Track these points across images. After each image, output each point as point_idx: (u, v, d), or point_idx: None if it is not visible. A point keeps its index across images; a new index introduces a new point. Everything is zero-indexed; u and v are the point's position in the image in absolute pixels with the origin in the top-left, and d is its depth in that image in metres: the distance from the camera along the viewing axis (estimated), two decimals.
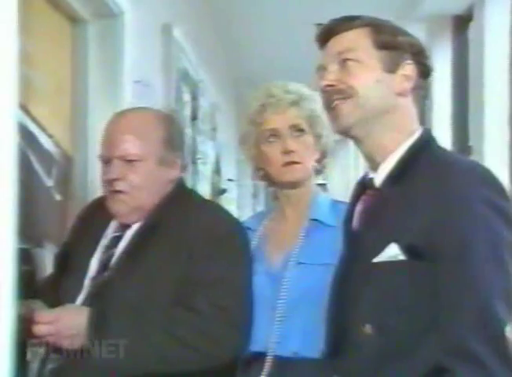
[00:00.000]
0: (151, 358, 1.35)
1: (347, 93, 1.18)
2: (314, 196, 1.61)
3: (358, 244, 1.20)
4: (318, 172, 1.65)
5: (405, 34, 1.22)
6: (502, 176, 1.19)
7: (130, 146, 1.45)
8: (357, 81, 1.17)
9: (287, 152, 1.55)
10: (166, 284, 1.39)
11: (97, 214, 1.55)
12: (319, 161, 1.62)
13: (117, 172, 1.45)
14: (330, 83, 1.19)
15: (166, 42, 2.88)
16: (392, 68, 1.18)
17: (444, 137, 3.88)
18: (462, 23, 3.85)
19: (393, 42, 1.19)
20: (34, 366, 1.46)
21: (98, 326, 1.34)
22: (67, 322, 1.34)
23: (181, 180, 1.57)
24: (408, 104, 1.21)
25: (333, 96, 1.19)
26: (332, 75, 1.19)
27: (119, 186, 1.45)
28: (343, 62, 1.19)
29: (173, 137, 1.51)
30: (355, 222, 1.24)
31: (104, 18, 2.14)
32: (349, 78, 1.18)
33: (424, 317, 1.09)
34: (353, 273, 1.18)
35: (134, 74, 2.29)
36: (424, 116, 4.02)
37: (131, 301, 1.38)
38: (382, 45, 1.18)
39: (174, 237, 1.43)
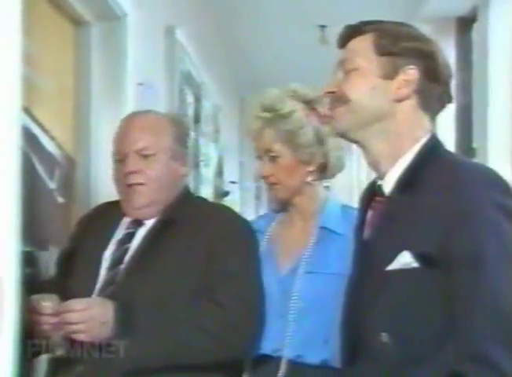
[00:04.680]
0: (179, 349, 1.38)
1: (342, 100, 1.21)
2: (322, 203, 1.60)
3: (370, 252, 1.19)
4: (321, 177, 1.61)
5: (413, 39, 1.21)
6: (507, 177, 1.18)
7: (146, 141, 1.51)
8: (352, 89, 1.20)
9: (262, 177, 1.59)
10: (186, 278, 1.42)
11: (104, 216, 1.57)
12: (319, 170, 1.59)
13: (134, 165, 1.50)
14: (329, 90, 1.24)
15: (169, 44, 2.88)
16: (390, 74, 1.19)
17: (448, 139, 3.88)
18: (465, 24, 3.84)
19: (394, 48, 1.19)
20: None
21: (125, 319, 1.36)
22: (98, 309, 1.36)
23: (187, 187, 1.63)
24: (409, 110, 1.20)
25: (333, 103, 1.24)
26: (333, 83, 1.23)
27: (136, 179, 1.50)
28: (346, 69, 1.22)
29: (182, 136, 1.60)
30: (366, 230, 1.24)
31: (107, 20, 2.14)
32: (346, 85, 1.21)
33: (439, 324, 1.09)
34: (367, 281, 1.18)
35: (137, 76, 2.29)
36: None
37: (151, 294, 1.40)
38: (382, 51, 1.19)
39: (192, 232, 1.47)
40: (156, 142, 1.52)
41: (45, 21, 1.89)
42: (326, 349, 1.44)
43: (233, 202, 4.88)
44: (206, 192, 3.81)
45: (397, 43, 1.20)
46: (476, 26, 3.57)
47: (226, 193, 4.69)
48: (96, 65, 2.14)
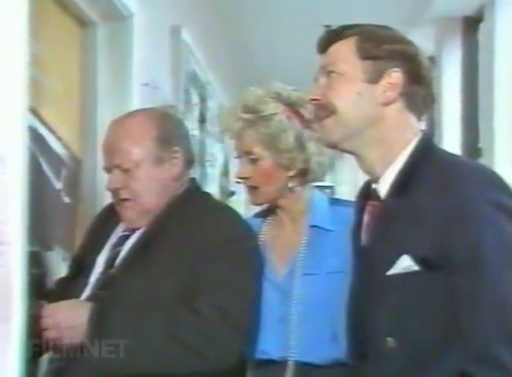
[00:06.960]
0: (149, 358, 1.34)
1: (329, 110, 1.19)
2: (309, 201, 1.57)
3: (370, 258, 1.19)
4: (303, 182, 1.56)
5: (395, 41, 1.20)
6: None
7: (124, 155, 1.46)
8: (338, 96, 1.18)
9: (241, 178, 1.56)
10: (171, 284, 1.39)
11: (111, 216, 1.57)
12: (300, 175, 1.54)
13: (118, 181, 1.48)
14: (315, 98, 1.22)
15: (174, 44, 2.89)
16: (374, 79, 1.18)
17: (454, 139, 3.87)
18: (472, 24, 3.84)
19: (377, 52, 1.18)
20: (43, 366, 1.48)
21: (98, 322, 1.35)
22: (66, 314, 1.36)
23: (193, 181, 1.59)
24: (397, 113, 1.19)
25: (318, 111, 1.22)
26: (318, 89, 1.21)
27: (123, 194, 1.48)
28: (329, 75, 1.20)
29: (167, 133, 1.51)
30: (364, 235, 1.23)
31: (113, 20, 2.14)
32: (331, 93, 1.19)
33: (444, 326, 1.09)
34: (369, 287, 1.18)
35: (143, 76, 2.29)
36: (433, 119, 4.01)
37: (134, 299, 1.38)
38: (365, 55, 1.18)
39: (182, 239, 1.43)
40: (135, 152, 1.46)
41: (52, 22, 1.89)
42: (334, 348, 1.42)
43: (239, 202, 4.89)
44: (212, 192, 3.80)
45: (380, 46, 1.18)
46: (482, 26, 3.57)
47: (232, 193, 4.69)
48: (102, 65, 2.14)
